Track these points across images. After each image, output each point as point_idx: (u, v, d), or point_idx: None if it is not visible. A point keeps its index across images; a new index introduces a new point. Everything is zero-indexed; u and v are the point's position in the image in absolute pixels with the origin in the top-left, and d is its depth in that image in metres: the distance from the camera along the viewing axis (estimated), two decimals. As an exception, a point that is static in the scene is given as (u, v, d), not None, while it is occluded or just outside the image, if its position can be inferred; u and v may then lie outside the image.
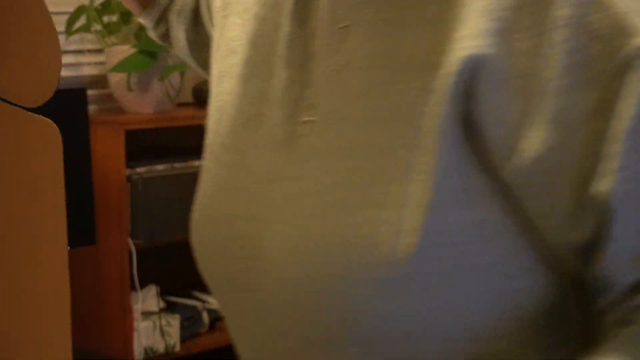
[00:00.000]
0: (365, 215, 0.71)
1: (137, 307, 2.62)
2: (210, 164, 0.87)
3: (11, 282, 0.76)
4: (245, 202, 0.81)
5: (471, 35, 0.69)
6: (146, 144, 2.82)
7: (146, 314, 2.66)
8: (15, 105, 0.78)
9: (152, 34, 1.12)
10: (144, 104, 2.69)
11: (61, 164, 0.78)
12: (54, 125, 0.77)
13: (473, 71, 0.69)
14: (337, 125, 0.75)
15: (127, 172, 2.60)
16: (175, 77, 2.71)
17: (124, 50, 2.61)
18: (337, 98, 0.76)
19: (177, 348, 2.70)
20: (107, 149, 2.58)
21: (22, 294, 0.77)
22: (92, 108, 2.64)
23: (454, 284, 0.72)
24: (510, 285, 0.73)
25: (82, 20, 2.63)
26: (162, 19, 1.09)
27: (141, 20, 1.11)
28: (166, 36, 1.10)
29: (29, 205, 0.79)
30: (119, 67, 2.59)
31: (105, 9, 2.64)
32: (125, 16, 2.64)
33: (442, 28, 0.71)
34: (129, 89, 2.66)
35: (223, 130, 0.86)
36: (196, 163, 2.76)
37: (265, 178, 0.79)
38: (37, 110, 0.81)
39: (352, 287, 0.72)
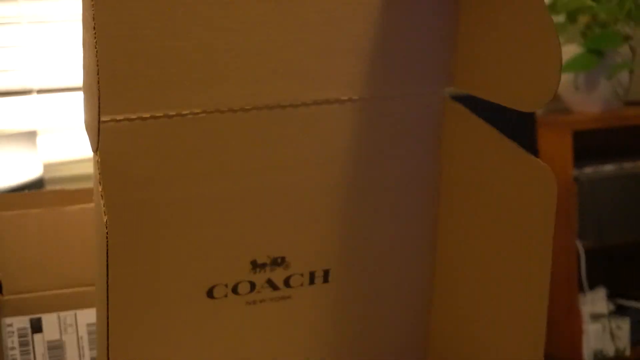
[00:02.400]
0: None
1: (585, 309, 2.60)
2: None
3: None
4: None
5: None
6: (594, 144, 2.78)
7: (595, 316, 2.62)
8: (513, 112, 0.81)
9: None
10: (591, 104, 2.66)
11: (553, 211, 0.79)
12: (550, 171, 0.77)
13: None
14: None
15: (575, 172, 2.59)
16: (624, 76, 2.64)
17: (570, 50, 2.60)
18: None
19: (627, 352, 2.64)
20: (554, 149, 2.58)
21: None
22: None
23: None
24: None
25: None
26: None
27: None
28: None
29: (515, 245, 0.83)
30: (566, 67, 2.59)
31: (551, 9, 2.65)
32: (572, 16, 2.63)
33: None
34: (576, 88, 2.65)
35: None
36: (646, 162, 2.67)
37: None
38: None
39: None
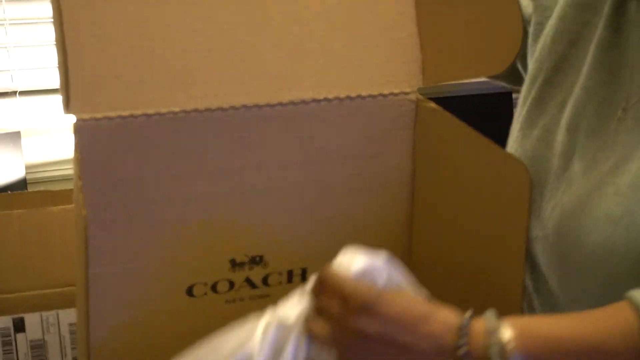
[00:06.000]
0: None
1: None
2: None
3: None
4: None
5: None
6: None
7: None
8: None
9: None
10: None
11: (527, 206, 0.80)
12: (525, 167, 0.79)
13: None
14: None
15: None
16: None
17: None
18: None
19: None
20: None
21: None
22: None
23: None
24: None
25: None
26: None
27: None
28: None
29: (490, 240, 0.84)
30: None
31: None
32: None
33: None
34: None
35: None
36: None
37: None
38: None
39: None
